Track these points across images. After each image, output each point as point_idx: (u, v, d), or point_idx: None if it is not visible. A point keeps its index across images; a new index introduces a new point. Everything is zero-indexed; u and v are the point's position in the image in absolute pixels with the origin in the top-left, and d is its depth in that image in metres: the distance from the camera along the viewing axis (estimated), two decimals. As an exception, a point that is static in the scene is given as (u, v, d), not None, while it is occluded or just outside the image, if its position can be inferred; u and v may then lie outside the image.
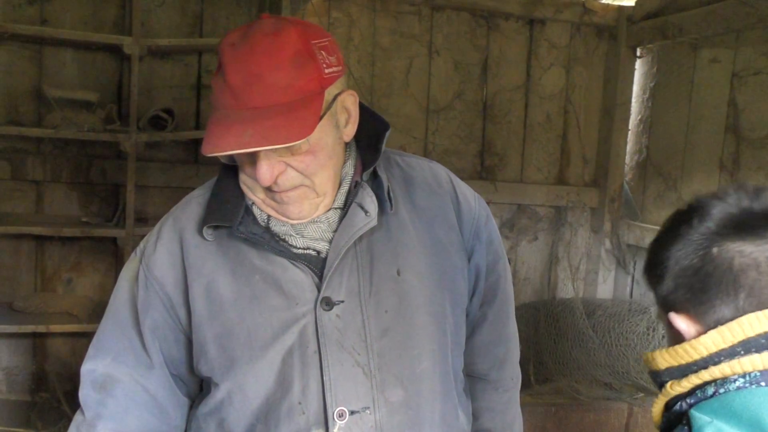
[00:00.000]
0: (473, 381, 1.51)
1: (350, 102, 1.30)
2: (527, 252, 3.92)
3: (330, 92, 1.24)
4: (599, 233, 3.89)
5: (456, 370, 1.41)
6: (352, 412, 1.26)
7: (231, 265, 1.31)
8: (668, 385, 1.04)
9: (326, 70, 1.23)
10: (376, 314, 1.29)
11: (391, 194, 1.34)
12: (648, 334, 3.03)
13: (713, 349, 0.98)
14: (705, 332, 0.99)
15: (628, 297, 3.77)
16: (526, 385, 3.49)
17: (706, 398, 0.97)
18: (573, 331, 3.37)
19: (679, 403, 1.02)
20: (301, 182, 1.25)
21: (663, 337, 3.05)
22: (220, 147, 1.15)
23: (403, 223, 1.35)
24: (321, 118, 1.21)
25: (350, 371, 1.27)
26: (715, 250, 0.98)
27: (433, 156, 3.61)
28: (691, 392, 1.01)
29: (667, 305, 1.05)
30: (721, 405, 0.94)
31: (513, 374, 1.55)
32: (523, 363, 3.59)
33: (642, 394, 3.11)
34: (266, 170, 1.21)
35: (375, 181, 1.34)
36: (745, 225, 0.98)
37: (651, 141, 3.75)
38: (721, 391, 0.96)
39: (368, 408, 1.27)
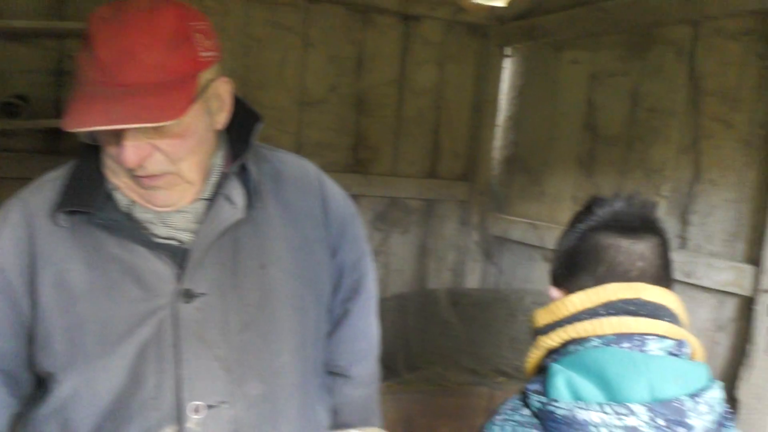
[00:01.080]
0: (334, 376, 1.53)
1: (224, 90, 1.29)
2: (399, 244, 4.00)
3: (204, 77, 1.22)
4: (468, 225, 4.03)
5: (316, 365, 1.43)
6: (209, 407, 1.25)
7: (86, 253, 1.25)
8: (540, 339, 1.19)
9: (201, 54, 1.20)
10: (238, 308, 1.28)
11: (260, 188, 1.33)
12: (508, 321, 3.17)
13: (579, 307, 1.14)
14: None
15: (493, 286, 3.93)
16: (395, 374, 3.57)
17: (567, 354, 1.12)
18: (439, 321, 3.48)
19: (548, 359, 1.17)
20: (167, 168, 1.22)
21: (523, 322, 3.20)
22: (84, 122, 1.09)
23: (271, 217, 1.35)
24: (193, 102, 1.18)
25: (208, 365, 1.25)
26: (590, 234, 1.18)
27: (306, 149, 3.61)
28: (558, 349, 1.15)
29: (552, 281, 1.24)
30: (576, 359, 1.09)
31: (373, 370, 1.58)
32: (393, 352, 3.69)
33: (503, 378, 3.25)
34: (132, 152, 1.16)
35: (244, 174, 1.33)
36: (618, 220, 1.18)
37: (517, 137, 3.92)
38: (580, 349, 1.11)
39: (226, 402, 1.25)
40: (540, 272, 3.61)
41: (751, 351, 2.50)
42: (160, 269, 1.25)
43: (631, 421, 1.02)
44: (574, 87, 3.48)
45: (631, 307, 1.13)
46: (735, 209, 2.68)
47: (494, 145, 4.02)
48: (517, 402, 1.15)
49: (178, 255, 1.27)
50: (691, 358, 1.17)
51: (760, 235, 2.52)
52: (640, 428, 1.02)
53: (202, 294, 1.25)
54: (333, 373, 1.52)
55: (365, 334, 1.54)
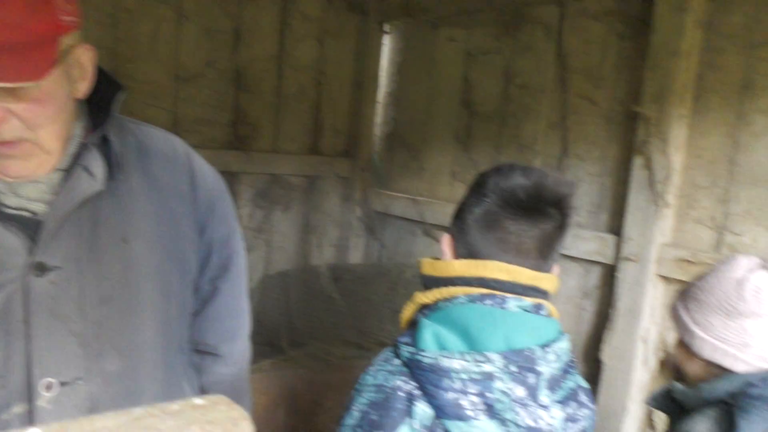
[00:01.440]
0: (203, 355, 1.51)
1: (86, 57, 1.23)
2: (281, 221, 3.97)
3: (65, 42, 1.16)
4: (350, 201, 4.05)
5: (182, 342, 1.40)
6: (62, 384, 1.21)
7: None
8: (416, 295, 1.25)
9: (62, 17, 1.14)
10: (96, 282, 1.24)
11: (121, 160, 1.29)
12: (390, 294, 3.23)
13: (458, 273, 1.21)
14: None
15: (376, 261, 3.98)
16: (279, 351, 3.56)
17: (436, 309, 1.20)
18: (322, 296, 3.49)
19: (419, 313, 1.23)
20: (24, 135, 1.15)
21: (404, 296, 3.27)
22: None
23: (134, 191, 1.31)
24: (53, 65, 1.12)
25: (62, 340, 1.21)
26: (491, 214, 1.22)
27: (183, 125, 3.50)
28: (429, 305, 1.22)
29: (449, 228, 1.29)
30: (444, 314, 1.17)
31: (244, 348, 1.58)
32: (276, 330, 3.67)
33: (386, 352, 3.32)
34: None
35: (105, 146, 1.28)
36: (522, 205, 1.21)
37: (397, 114, 3.96)
38: (449, 305, 1.18)
39: (81, 379, 1.22)
40: (421, 246, 3.68)
41: (613, 315, 2.66)
42: (9, 242, 1.18)
43: (487, 367, 1.11)
44: (451, 64, 3.55)
45: (501, 287, 1.21)
46: (599, 182, 2.83)
47: (375, 122, 4.05)
48: (389, 353, 1.22)
49: (30, 227, 1.21)
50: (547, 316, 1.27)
51: (621, 206, 2.67)
52: (495, 374, 1.12)
53: (57, 267, 1.20)
54: (202, 351, 1.50)
55: (235, 312, 1.53)
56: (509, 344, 1.15)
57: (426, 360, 1.12)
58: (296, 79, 3.87)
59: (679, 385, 1.53)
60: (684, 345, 1.53)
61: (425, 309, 1.25)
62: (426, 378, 1.12)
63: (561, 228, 1.26)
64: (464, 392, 1.11)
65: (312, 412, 3.31)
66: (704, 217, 2.45)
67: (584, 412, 1.28)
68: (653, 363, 2.60)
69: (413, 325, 1.28)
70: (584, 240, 2.80)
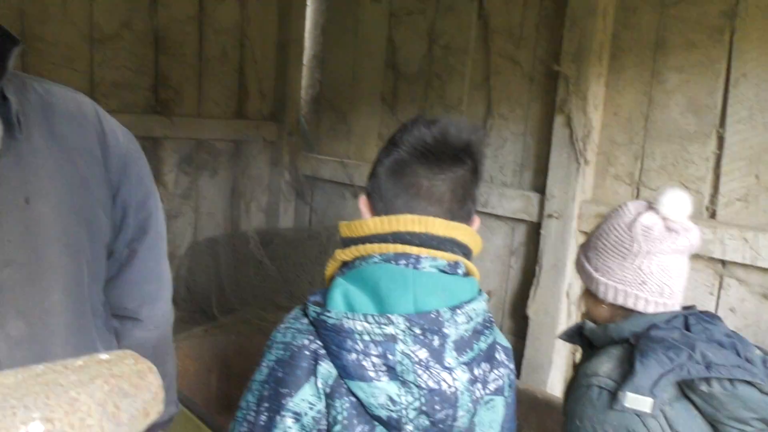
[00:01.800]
0: (123, 319, 1.47)
1: None
2: (208, 187, 3.91)
3: None
4: (278, 166, 4.01)
5: (95, 305, 1.37)
6: None
7: None
8: (336, 252, 1.23)
9: None
10: None
11: (21, 118, 1.23)
12: (320, 258, 3.23)
13: (373, 231, 1.19)
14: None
15: (306, 225, 3.97)
16: (210, 318, 3.53)
17: (353, 269, 1.18)
18: (253, 262, 3.47)
19: (340, 271, 1.23)
20: None
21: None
22: None
23: (38, 150, 1.25)
24: None
25: None
26: (400, 164, 1.21)
27: (100, 89, 3.39)
28: (348, 263, 1.21)
29: (366, 190, 1.28)
30: (357, 273, 1.16)
31: (165, 311, 1.55)
32: (207, 296, 3.63)
33: (319, 314, 3.34)
34: None
35: (2, 104, 1.22)
36: (429, 154, 1.20)
37: (323, 76, 3.92)
38: (363, 264, 1.17)
39: None
40: (351, 209, 3.69)
41: (538, 271, 2.73)
42: None
43: (390, 329, 1.11)
44: (375, 25, 3.52)
45: (417, 240, 1.19)
46: (522, 141, 2.88)
47: (301, 85, 4.00)
48: (299, 312, 1.22)
49: None
50: (465, 275, 1.25)
51: (544, 165, 2.73)
52: (398, 336, 1.11)
53: None
54: (122, 316, 1.46)
55: (155, 275, 1.49)
56: (418, 306, 1.14)
57: (330, 320, 1.12)
58: (218, 42, 3.77)
59: (590, 323, 1.60)
60: (589, 293, 1.61)
61: (344, 267, 1.24)
62: (330, 338, 1.12)
63: (472, 173, 1.24)
64: (366, 354, 1.11)
65: (245, 377, 3.29)
66: (622, 174, 2.53)
67: (501, 371, 1.29)
68: (576, 316, 2.69)
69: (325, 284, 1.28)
70: (509, 199, 2.85)
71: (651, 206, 1.55)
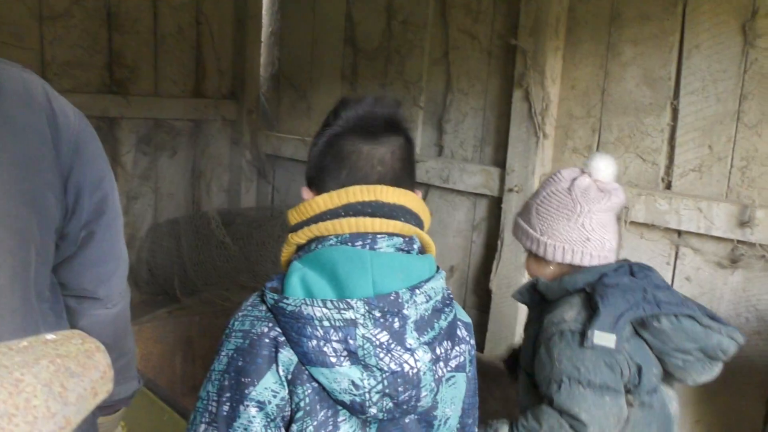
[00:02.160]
0: (81, 299, 1.46)
1: None
2: (168, 167, 3.85)
3: None
4: (239, 145, 3.97)
5: (40, 289, 1.35)
6: None
7: None
8: (290, 236, 1.22)
9: None
10: None
11: None
12: (282, 237, 3.21)
13: (324, 208, 1.19)
14: None
15: (269, 204, 3.94)
16: (173, 300, 3.50)
17: (309, 252, 1.18)
18: (215, 242, 3.44)
19: (296, 255, 1.22)
20: None
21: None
22: None
23: None
24: None
25: None
26: (335, 138, 1.22)
27: (52, 68, 3.31)
28: (304, 246, 1.21)
29: (306, 182, 1.27)
30: (313, 257, 1.16)
31: (122, 289, 1.53)
32: (169, 279, 3.59)
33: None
34: None
35: None
36: (362, 125, 1.22)
37: (282, 53, 3.88)
38: (319, 247, 1.17)
39: None
40: (312, 187, 3.67)
41: (500, 246, 2.76)
42: None
43: (349, 314, 1.11)
44: (334, 1, 3.48)
45: (368, 209, 1.19)
46: (482, 116, 2.89)
47: (260, 62, 3.95)
48: (256, 299, 1.20)
49: None
50: (421, 252, 1.27)
51: (504, 139, 2.75)
52: (358, 320, 1.11)
53: None
54: (80, 296, 1.45)
55: (112, 255, 1.48)
56: (377, 289, 1.14)
57: (288, 308, 1.11)
58: (174, 18, 3.70)
59: (543, 279, 1.75)
60: (535, 256, 1.77)
61: (300, 251, 1.23)
62: (289, 325, 1.11)
63: (406, 141, 1.27)
64: (327, 339, 1.10)
65: (209, 358, 3.28)
66: (580, 147, 2.56)
67: (462, 348, 1.31)
68: (536, 287, 2.72)
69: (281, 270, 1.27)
70: (470, 174, 2.86)
71: (582, 171, 1.72)
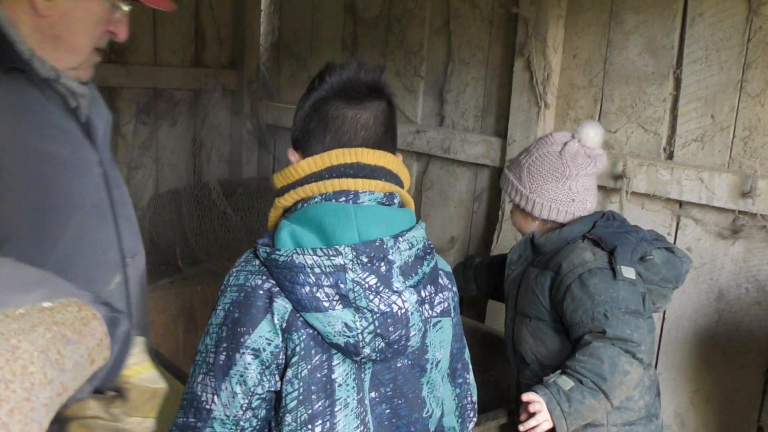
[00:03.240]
0: None
1: None
2: (168, 137, 3.84)
3: None
4: (240, 115, 3.95)
5: None
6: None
7: None
8: (276, 200, 1.28)
9: None
10: None
11: None
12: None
13: (308, 171, 1.25)
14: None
15: (270, 174, 3.93)
16: (175, 270, 3.51)
17: (295, 211, 1.24)
18: (216, 213, 3.44)
19: (282, 217, 1.27)
20: None
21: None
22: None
23: None
24: None
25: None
26: (321, 103, 1.27)
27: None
28: (290, 208, 1.26)
29: (291, 145, 1.33)
30: (300, 214, 1.22)
31: None
32: (171, 248, 3.60)
33: (283, 264, 3.33)
34: None
35: None
36: (346, 90, 1.27)
37: (282, 22, 3.84)
38: (305, 206, 1.22)
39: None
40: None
41: (500, 216, 2.76)
42: None
43: (339, 260, 1.17)
44: (335, -32, 3.44)
45: (351, 171, 1.26)
46: (483, 86, 2.87)
47: (260, 31, 3.91)
48: (250, 255, 1.26)
49: None
50: (401, 206, 1.33)
51: (505, 109, 2.73)
52: (347, 265, 1.18)
53: None
54: None
55: None
56: (362, 237, 1.21)
57: (281, 258, 1.17)
58: (173, -13, 3.66)
59: (538, 233, 1.90)
60: (521, 210, 1.93)
61: (287, 212, 1.29)
62: (283, 275, 1.17)
63: (389, 105, 1.33)
64: (319, 285, 1.16)
65: (211, 327, 3.30)
66: (582, 116, 2.54)
67: (446, 294, 1.39)
68: (537, 258, 2.73)
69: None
70: (472, 144, 2.85)
71: (572, 135, 1.88)
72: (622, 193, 2.34)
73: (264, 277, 1.19)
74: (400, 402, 1.30)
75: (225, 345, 1.19)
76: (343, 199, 1.23)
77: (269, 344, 1.18)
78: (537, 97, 2.56)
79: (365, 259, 1.19)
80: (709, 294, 2.25)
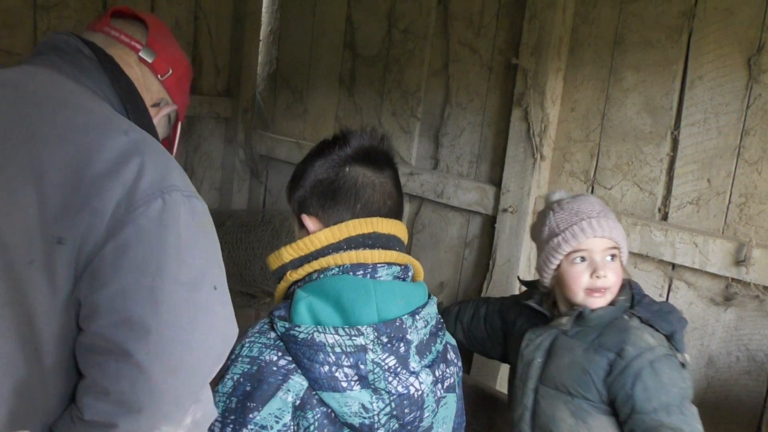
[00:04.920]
0: None
1: None
2: (159, 164, 3.79)
3: None
4: (233, 144, 3.91)
5: None
6: None
7: None
8: (288, 273, 1.26)
9: None
10: None
11: None
12: (272, 242, 3.17)
13: (325, 243, 1.24)
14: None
15: (261, 206, 3.89)
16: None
17: (311, 281, 1.23)
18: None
19: (294, 286, 1.27)
20: None
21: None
22: None
23: None
24: None
25: None
26: (347, 169, 1.28)
27: (45, 61, 3.24)
28: (303, 278, 1.25)
29: (301, 208, 1.31)
30: (318, 286, 1.21)
31: None
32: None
33: (270, 299, 3.28)
34: None
35: None
36: (371, 156, 1.29)
37: (280, 53, 3.81)
38: (321, 277, 1.22)
39: None
40: (305, 191, 3.61)
41: (491, 266, 2.72)
42: None
43: (360, 340, 1.16)
44: (334, 3, 3.42)
45: (369, 241, 1.26)
46: (480, 132, 2.84)
47: (258, 61, 3.88)
48: (265, 326, 1.23)
49: None
50: (413, 279, 1.34)
51: (501, 157, 2.70)
52: (368, 346, 1.17)
53: None
54: None
55: None
56: (381, 315, 1.20)
57: (301, 335, 1.15)
58: (171, 12, 3.63)
59: (589, 309, 1.74)
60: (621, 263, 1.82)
61: (299, 282, 1.27)
62: (301, 352, 1.15)
63: (397, 178, 1.35)
64: (339, 365, 1.15)
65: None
66: (577, 171, 2.51)
67: (452, 370, 1.37)
68: (526, 309, 2.69)
69: (287, 298, 1.30)
70: (465, 190, 2.82)
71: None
72: (614, 252, 2.30)
73: (279, 353, 1.18)
74: None
75: (233, 418, 1.17)
76: (361, 272, 1.22)
77: (277, 422, 1.16)
78: (533, 148, 2.54)
79: (385, 340, 1.18)
80: (699, 359, 2.21)
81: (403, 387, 1.19)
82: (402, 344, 1.20)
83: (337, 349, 1.15)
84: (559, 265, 1.77)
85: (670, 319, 1.73)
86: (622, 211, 2.36)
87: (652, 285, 2.29)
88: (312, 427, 1.17)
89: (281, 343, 1.19)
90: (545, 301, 1.91)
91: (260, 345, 1.20)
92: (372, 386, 1.17)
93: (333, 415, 1.18)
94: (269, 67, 3.87)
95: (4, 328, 1.00)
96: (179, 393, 1.02)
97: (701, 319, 2.21)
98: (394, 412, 1.19)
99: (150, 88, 1.43)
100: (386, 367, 1.18)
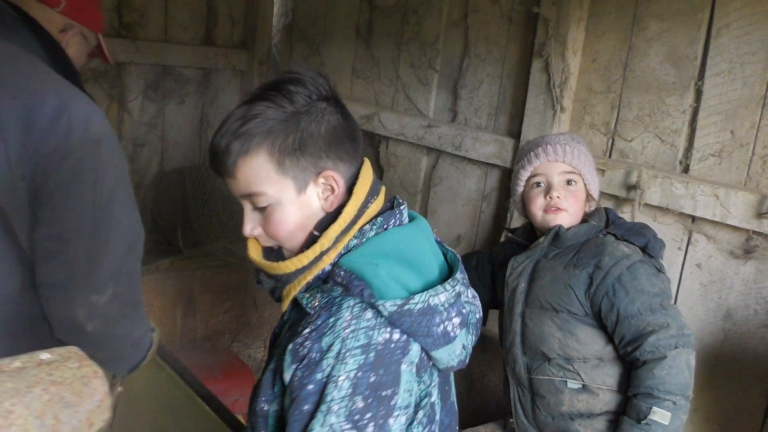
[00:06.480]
0: None
1: None
2: (175, 115, 3.79)
3: None
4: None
5: None
6: None
7: None
8: (325, 257, 1.18)
9: None
10: None
11: None
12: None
13: (362, 200, 1.21)
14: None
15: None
16: (176, 250, 3.48)
17: (354, 250, 1.17)
18: (220, 195, 3.40)
19: (330, 268, 1.18)
20: None
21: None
22: None
23: None
24: None
25: None
26: (343, 113, 1.24)
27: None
28: (339, 253, 1.18)
29: (320, 166, 1.22)
30: (370, 251, 1.15)
31: None
32: (172, 229, 3.56)
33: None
34: None
35: None
36: (336, 99, 1.27)
37: (296, 4, 3.77)
38: (364, 241, 1.17)
39: None
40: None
41: (509, 219, 2.72)
42: None
43: (458, 287, 1.18)
44: (352, -48, 3.37)
45: (378, 187, 1.26)
46: (498, 84, 2.81)
47: (273, 12, 3.84)
48: (358, 310, 1.12)
49: None
50: None
51: (520, 109, 2.68)
52: (461, 291, 1.20)
53: None
54: None
55: None
56: (434, 252, 1.22)
57: (418, 306, 1.11)
58: (187, -38, 3.60)
59: (565, 226, 1.87)
60: (584, 188, 1.95)
61: (333, 259, 1.18)
62: (418, 322, 1.11)
63: None
64: (449, 318, 1.15)
65: (210, 312, 3.29)
66: (598, 123, 2.49)
67: None
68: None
69: (342, 275, 1.16)
70: (483, 143, 2.80)
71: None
72: (634, 204, 2.29)
73: (389, 328, 1.11)
74: (448, 401, 1.31)
75: (369, 414, 1.06)
76: (395, 221, 1.20)
77: (410, 395, 1.11)
78: (553, 100, 2.51)
79: (460, 277, 1.20)
80: (716, 312, 2.22)
81: (477, 312, 1.25)
82: (466, 277, 1.26)
83: (446, 304, 1.15)
84: (524, 193, 1.94)
85: (644, 232, 1.86)
86: (643, 163, 2.35)
87: (671, 238, 2.29)
88: (432, 386, 1.17)
89: (384, 320, 1.11)
90: (526, 234, 2.07)
91: (364, 330, 1.10)
92: (468, 324, 1.21)
93: (431, 364, 1.19)
94: (285, 18, 3.83)
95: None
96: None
97: (720, 272, 2.20)
98: (474, 338, 1.24)
99: (53, 19, 1.74)
100: (468, 300, 1.22)
